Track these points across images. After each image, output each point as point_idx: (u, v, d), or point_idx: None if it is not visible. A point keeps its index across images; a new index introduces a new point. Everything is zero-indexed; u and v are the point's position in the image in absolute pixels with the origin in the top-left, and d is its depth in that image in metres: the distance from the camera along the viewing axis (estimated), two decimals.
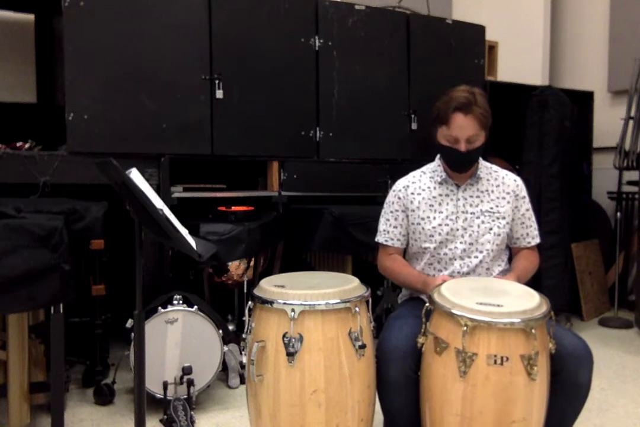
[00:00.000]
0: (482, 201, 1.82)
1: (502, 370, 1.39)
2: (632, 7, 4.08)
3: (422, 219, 1.83)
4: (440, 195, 1.85)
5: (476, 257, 1.79)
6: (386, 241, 1.91)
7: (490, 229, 1.80)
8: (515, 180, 1.88)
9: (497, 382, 1.39)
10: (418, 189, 1.87)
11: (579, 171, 3.90)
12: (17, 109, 3.09)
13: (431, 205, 1.83)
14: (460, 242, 1.80)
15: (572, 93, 3.64)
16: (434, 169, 1.90)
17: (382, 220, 1.94)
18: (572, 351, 1.52)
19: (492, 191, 1.84)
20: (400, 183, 1.92)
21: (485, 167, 1.89)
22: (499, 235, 1.80)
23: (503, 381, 1.39)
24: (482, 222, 1.80)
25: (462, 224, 1.80)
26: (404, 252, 1.95)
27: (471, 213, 1.81)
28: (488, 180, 1.86)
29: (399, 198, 1.89)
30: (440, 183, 1.86)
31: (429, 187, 1.86)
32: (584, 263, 3.70)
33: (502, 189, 1.85)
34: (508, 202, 1.83)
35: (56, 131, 2.66)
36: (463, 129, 1.71)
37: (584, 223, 3.87)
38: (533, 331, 1.38)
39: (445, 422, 1.46)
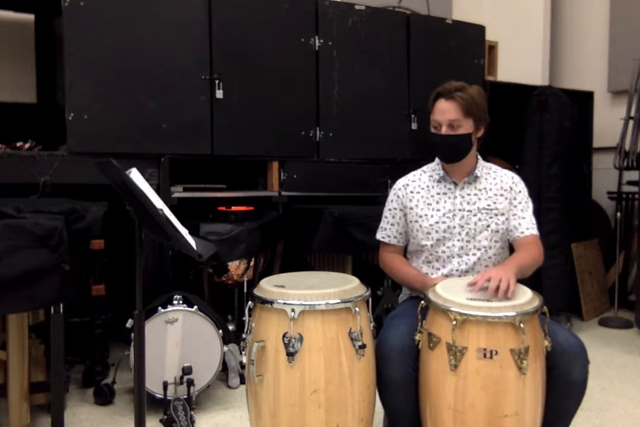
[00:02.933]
0: (479, 199, 1.83)
1: (492, 363, 1.41)
2: (632, 7, 4.08)
3: (420, 216, 1.84)
4: (438, 193, 1.86)
5: (474, 254, 1.80)
6: (383, 238, 1.94)
7: (488, 226, 1.80)
8: (512, 178, 1.88)
9: (487, 376, 1.41)
10: (417, 187, 1.89)
11: (579, 171, 3.90)
12: (17, 109, 3.09)
13: (429, 204, 1.85)
14: (458, 240, 1.81)
15: (572, 93, 3.64)
16: (433, 168, 1.92)
17: (382, 217, 1.97)
18: (566, 348, 1.53)
19: (490, 189, 1.85)
20: (400, 182, 1.95)
21: (485, 167, 1.89)
22: (497, 231, 1.81)
23: (493, 374, 1.41)
24: (479, 219, 1.80)
25: (458, 222, 1.81)
26: (405, 250, 1.96)
27: (468, 211, 1.81)
28: (486, 179, 1.86)
29: (398, 197, 1.91)
30: (439, 181, 1.87)
31: (427, 186, 1.88)
32: (584, 263, 3.70)
33: (500, 186, 1.85)
34: (506, 199, 1.84)
35: (56, 131, 2.66)
36: (443, 112, 1.75)
37: (584, 223, 3.86)
38: (522, 325, 1.40)
39: (440, 416, 1.48)
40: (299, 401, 1.47)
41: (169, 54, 2.71)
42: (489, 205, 1.82)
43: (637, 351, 3.07)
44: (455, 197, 1.84)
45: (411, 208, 1.87)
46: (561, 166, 3.37)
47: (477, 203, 1.82)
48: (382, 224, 1.96)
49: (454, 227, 1.81)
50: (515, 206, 1.84)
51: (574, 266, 3.58)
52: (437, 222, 1.82)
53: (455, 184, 1.85)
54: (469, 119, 1.77)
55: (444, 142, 1.78)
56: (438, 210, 1.83)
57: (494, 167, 1.92)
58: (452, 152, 1.81)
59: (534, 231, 1.84)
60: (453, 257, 1.81)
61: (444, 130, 1.76)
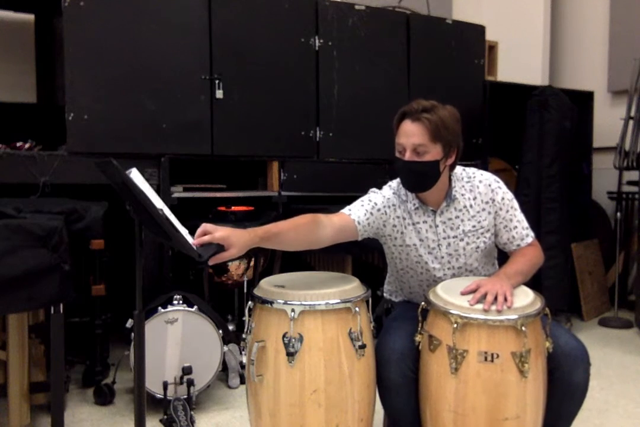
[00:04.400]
0: (462, 221, 1.71)
1: (493, 367, 1.40)
2: (632, 7, 4.08)
3: (408, 245, 1.75)
4: (418, 222, 1.73)
5: (466, 276, 1.76)
6: (351, 215, 1.70)
7: (477, 247, 1.72)
8: (489, 185, 1.72)
9: (488, 379, 1.40)
10: (402, 212, 1.75)
11: (579, 171, 3.90)
12: (17, 109, 3.09)
13: (412, 232, 1.74)
14: (449, 268, 1.74)
15: (572, 93, 3.64)
16: (405, 192, 1.75)
17: (359, 203, 1.76)
18: (568, 351, 1.51)
19: (471, 206, 1.71)
20: (390, 199, 1.77)
21: (458, 180, 1.73)
22: (485, 248, 1.74)
23: (494, 377, 1.40)
24: (467, 243, 1.71)
25: (446, 251, 1.72)
26: (394, 266, 1.87)
27: (454, 237, 1.71)
28: (463, 195, 1.72)
29: (385, 213, 1.74)
30: (417, 208, 1.74)
31: (409, 212, 1.74)
32: (584, 263, 3.70)
33: (481, 200, 1.71)
34: (489, 213, 1.71)
35: (56, 131, 2.66)
36: (408, 136, 1.60)
37: (584, 223, 3.86)
38: (523, 328, 1.39)
39: (440, 419, 1.48)
40: (299, 401, 1.47)
41: (168, 54, 2.71)
42: (474, 226, 1.71)
43: (637, 351, 3.07)
44: (437, 226, 1.72)
45: (402, 233, 1.75)
46: (561, 166, 3.37)
47: (460, 226, 1.70)
48: (355, 207, 1.73)
49: (442, 257, 1.73)
50: (503, 218, 1.71)
51: (574, 266, 3.58)
52: (424, 254, 1.73)
53: (434, 212, 1.72)
54: (437, 145, 1.59)
55: (407, 169, 1.61)
56: (421, 240, 1.73)
57: (467, 174, 1.75)
58: (416, 181, 1.64)
59: (529, 238, 1.73)
60: None
61: (408, 155, 1.60)
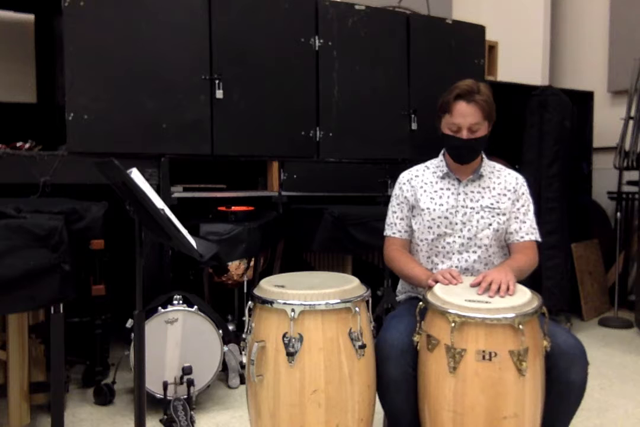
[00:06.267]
0: (482, 197, 1.83)
1: (491, 365, 1.40)
2: (632, 8, 4.08)
3: (422, 210, 1.84)
4: (442, 189, 1.86)
5: (474, 252, 1.80)
6: (394, 233, 1.92)
7: (490, 224, 1.80)
8: (516, 178, 1.88)
9: (487, 378, 1.40)
10: (420, 182, 1.89)
11: (579, 171, 3.91)
12: (17, 109, 3.09)
13: (432, 198, 1.85)
14: (459, 237, 1.81)
15: (572, 93, 3.64)
16: (437, 164, 1.92)
17: (389, 213, 1.95)
18: (565, 350, 1.52)
19: (494, 188, 1.85)
20: (404, 176, 1.95)
21: (489, 166, 1.90)
22: (497, 231, 1.81)
23: (492, 376, 1.40)
24: (482, 217, 1.80)
25: (461, 218, 1.81)
26: None
27: (471, 208, 1.82)
28: (490, 178, 1.87)
29: (402, 191, 1.91)
30: (442, 177, 1.88)
31: (431, 182, 1.88)
32: (584, 263, 3.71)
33: (504, 186, 1.85)
34: (509, 199, 1.83)
35: (56, 131, 2.66)
36: (465, 116, 1.73)
37: (584, 223, 3.87)
38: (521, 326, 1.40)
39: (439, 418, 1.48)
40: (299, 401, 1.47)
41: (169, 54, 2.71)
42: (492, 204, 1.82)
43: (637, 351, 3.07)
44: (459, 194, 1.84)
45: (416, 199, 1.88)
46: (561, 166, 3.37)
47: (480, 201, 1.82)
48: (391, 219, 1.94)
49: (456, 224, 1.81)
50: (518, 209, 1.84)
51: (574, 266, 3.58)
52: (439, 217, 1.82)
53: (459, 181, 1.86)
54: (486, 122, 1.78)
55: (465, 145, 1.77)
56: (441, 204, 1.83)
57: (498, 166, 1.92)
58: (469, 155, 1.82)
59: (533, 236, 1.85)
60: (453, 254, 1.81)
61: (465, 134, 1.75)
